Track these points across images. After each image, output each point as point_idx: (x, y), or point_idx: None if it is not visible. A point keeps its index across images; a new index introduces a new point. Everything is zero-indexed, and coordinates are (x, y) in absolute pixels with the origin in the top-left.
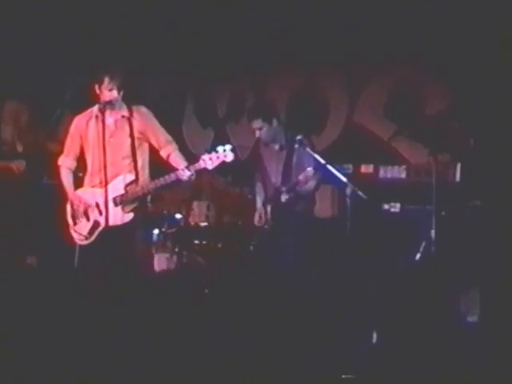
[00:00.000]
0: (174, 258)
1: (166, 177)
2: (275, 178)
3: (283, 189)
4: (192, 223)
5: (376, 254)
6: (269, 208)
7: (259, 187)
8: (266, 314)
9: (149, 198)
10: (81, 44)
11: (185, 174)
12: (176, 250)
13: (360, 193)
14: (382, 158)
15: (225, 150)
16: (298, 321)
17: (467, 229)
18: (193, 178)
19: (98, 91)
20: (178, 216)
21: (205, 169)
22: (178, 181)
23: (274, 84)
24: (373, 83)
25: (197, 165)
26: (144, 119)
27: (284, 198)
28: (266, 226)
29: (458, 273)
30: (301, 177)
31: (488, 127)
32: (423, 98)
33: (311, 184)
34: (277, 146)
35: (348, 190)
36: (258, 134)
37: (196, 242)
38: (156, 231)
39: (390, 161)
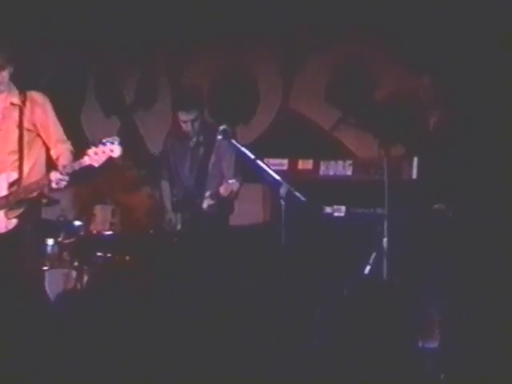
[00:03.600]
0: (73, 273)
1: (39, 180)
2: (187, 179)
3: (207, 194)
4: (94, 231)
5: (317, 267)
6: (179, 215)
7: (166, 188)
8: (180, 338)
9: (45, 201)
10: None
11: (54, 178)
12: (75, 264)
13: (297, 194)
14: (323, 151)
15: (110, 143)
16: (220, 345)
17: (426, 237)
18: (62, 184)
19: None
20: (77, 223)
21: (90, 166)
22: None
23: (191, 64)
24: (311, 61)
25: (76, 164)
26: (38, 109)
27: (206, 204)
28: (175, 239)
29: (415, 290)
30: (222, 190)
31: (452, 111)
32: (372, 79)
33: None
34: (193, 142)
35: (282, 191)
36: (186, 126)
37: (99, 254)
38: (50, 241)
39: (333, 155)
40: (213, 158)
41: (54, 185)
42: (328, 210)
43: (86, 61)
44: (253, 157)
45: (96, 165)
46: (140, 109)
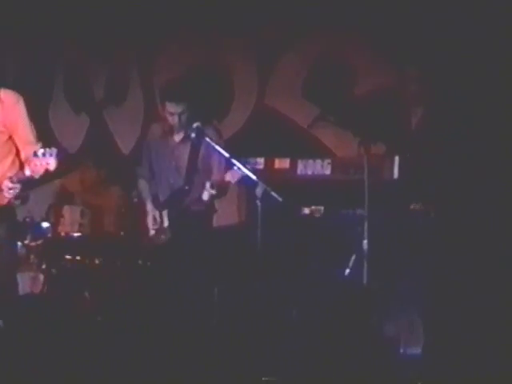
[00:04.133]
0: (41, 277)
1: None
2: (174, 177)
3: (207, 185)
4: (62, 233)
5: (295, 270)
6: (165, 213)
7: (144, 187)
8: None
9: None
10: None
11: (5, 187)
12: (42, 267)
13: (274, 194)
14: (301, 149)
15: (49, 155)
16: (201, 356)
17: (407, 239)
18: (13, 192)
19: None
20: (45, 224)
21: (31, 177)
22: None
23: (164, 59)
24: (288, 56)
25: (20, 174)
26: (9, 108)
27: (208, 195)
28: (162, 236)
29: (396, 293)
30: (229, 177)
31: (433, 111)
32: (352, 74)
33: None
34: (178, 138)
35: (258, 191)
36: (173, 119)
37: (67, 256)
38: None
39: (311, 153)
40: (201, 153)
41: (6, 194)
42: (306, 210)
43: (54, 57)
44: (227, 155)
45: (36, 176)
46: (110, 105)
